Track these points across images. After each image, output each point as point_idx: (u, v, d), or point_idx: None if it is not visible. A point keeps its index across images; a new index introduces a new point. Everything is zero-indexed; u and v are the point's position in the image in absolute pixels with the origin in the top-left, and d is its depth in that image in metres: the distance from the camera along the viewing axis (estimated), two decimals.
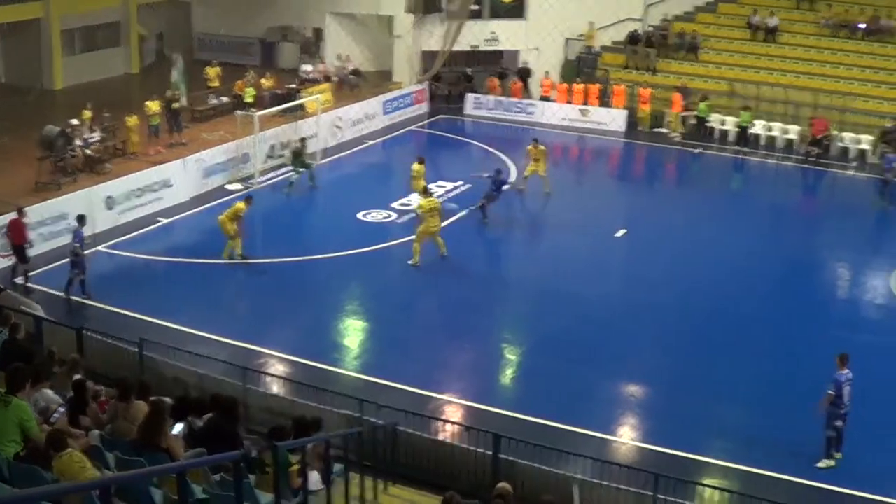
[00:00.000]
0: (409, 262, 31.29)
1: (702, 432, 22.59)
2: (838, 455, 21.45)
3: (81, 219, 28.60)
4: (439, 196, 35.41)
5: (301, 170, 38.43)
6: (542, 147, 38.50)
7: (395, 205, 36.53)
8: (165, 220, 33.83)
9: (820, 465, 21.33)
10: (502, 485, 15.07)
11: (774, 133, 47.37)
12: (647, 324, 28.15)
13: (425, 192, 32.72)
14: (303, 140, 40.13)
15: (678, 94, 48.90)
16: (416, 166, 36.22)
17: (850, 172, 43.89)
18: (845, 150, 45.97)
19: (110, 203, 33.33)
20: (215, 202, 35.89)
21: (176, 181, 35.82)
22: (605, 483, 18.56)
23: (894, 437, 22.55)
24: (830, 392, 21.18)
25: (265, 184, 38.69)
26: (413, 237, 31.73)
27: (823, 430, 21.31)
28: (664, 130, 48.85)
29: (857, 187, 42.84)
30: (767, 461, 21.07)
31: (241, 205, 30.97)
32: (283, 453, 14.66)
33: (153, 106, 38.91)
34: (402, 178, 39.37)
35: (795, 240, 35.29)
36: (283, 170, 39.93)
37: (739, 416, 23.62)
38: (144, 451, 14.05)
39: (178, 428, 15.63)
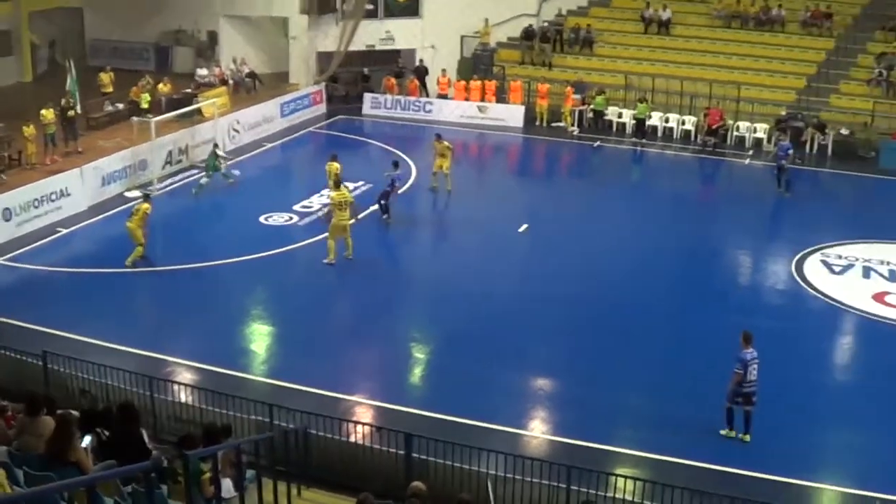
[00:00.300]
0: (325, 261, 31.28)
1: (611, 422, 22.85)
2: (731, 432, 22.35)
3: None
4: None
5: (211, 173, 38.36)
6: (445, 143, 38.37)
7: (296, 207, 36.39)
8: (65, 231, 33.36)
9: (721, 431, 22.30)
10: (416, 484, 15.12)
11: (671, 124, 47.93)
12: (551, 317, 28.33)
13: (336, 186, 32.53)
14: (215, 145, 40.21)
15: (570, 89, 49.27)
16: (332, 164, 35.83)
17: (747, 161, 44.52)
18: (742, 139, 46.62)
19: (7, 215, 32.77)
20: (114, 210, 35.50)
21: (74, 190, 35.34)
22: (518, 477, 18.63)
23: (796, 419, 22.94)
24: (738, 371, 21.91)
25: (164, 190, 38.32)
26: (327, 234, 31.65)
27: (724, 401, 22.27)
28: (562, 125, 49.16)
29: (755, 175, 43.45)
30: (676, 448, 21.36)
31: (146, 206, 30.59)
32: (193, 462, 14.57)
33: (48, 114, 38.28)
34: (303, 180, 39.28)
35: (695, 229, 35.71)
36: (181, 175, 39.67)
37: (646, 404, 23.89)
38: (53, 466, 13.89)
39: (87, 440, 15.46)
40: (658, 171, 45.18)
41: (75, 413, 16.35)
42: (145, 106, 43.61)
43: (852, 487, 20.59)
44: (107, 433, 16.11)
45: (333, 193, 32.09)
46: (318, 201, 36.97)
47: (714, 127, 45.93)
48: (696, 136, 47.24)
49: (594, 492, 17.99)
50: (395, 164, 36.21)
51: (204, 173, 38.56)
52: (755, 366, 22.08)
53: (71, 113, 39.18)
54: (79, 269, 30.54)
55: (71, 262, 31.03)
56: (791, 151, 40.11)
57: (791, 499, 19.70)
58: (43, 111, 38.25)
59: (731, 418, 22.28)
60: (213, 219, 37.14)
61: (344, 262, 31.37)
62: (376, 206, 34.95)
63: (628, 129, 48.31)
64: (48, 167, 36.81)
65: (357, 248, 31.94)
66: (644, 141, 46.85)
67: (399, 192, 35.91)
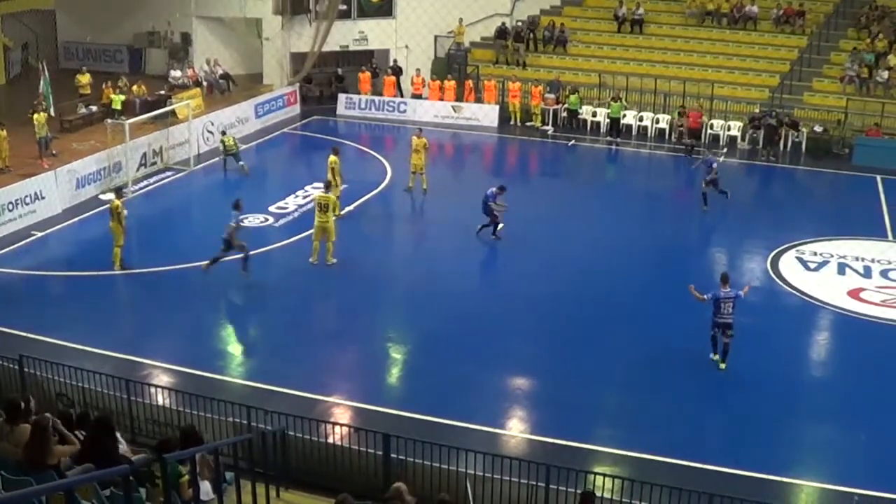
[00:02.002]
0: (310, 260, 31.46)
1: (590, 421, 22.89)
2: (716, 357, 25.42)
3: None
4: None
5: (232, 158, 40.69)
6: (423, 139, 38.33)
7: (272, 208, 36.33)
8: (39, 234, 33.21)
9: (711, 356, 25.54)
10: (397, 485, 15.09)
11: (646, 123, 48.04)
12: (528, 316, 28.40)
13: (326, 186, 32.63)
14: (223, 132, 42.28)
15: (538, 88, 49.39)
16: (332, 158, 35.68)
17: (721, 159, 44.57)
18: (716, 137, 46.76)
19: None
20: (89, 213, 35.43)
21: (48, 193, 35.20)
22: (497, 477, 18.63)
23: (774, 415, 23.05)
24: (706, 297, 25.25)
25: (138, 192, 38.21)
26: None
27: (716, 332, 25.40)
28: (538, 125, 49.24)
29: (730, 173, 43.54)
30: (656, 446, 21.41)
31: (117, 202, 30.51)
32: (171, 465, 14.52)
33: (40, 118, 38.11)
34: (279, 182, 39.29)
35: (671, 227, 35.84)
36: (156, 177, 39.63)
37: (624, 402, 24.02)
38: (31, 471, 13.85)
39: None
40: (633, 170, 45.30)
41: (49, 416, 16.29)
42: (117, 107, 43.47)
43: (830, 483, 20.68)
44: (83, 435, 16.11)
45: (317, 193, 32.01)
46: (293, 202, 36.92)
47: (695, 128, 45.75)
48: (670, 135, 47.37)
49: (573, 490, 18.00)
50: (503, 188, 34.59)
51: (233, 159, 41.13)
52: (729, 302, 24.96)
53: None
54: (54, 272, 30.38)
55: (46, 265, 30.86)
56: (715, 165, 37.61)
57: (770, 495, 19.70)
58: (35, 115, 38.08)
59: (714, 345, 25.39)
60: (188, 221, 37.11)
61: (318, 264, 31.35)
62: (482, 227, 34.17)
63: (603, 128, 48.42)
64: (22, 171, 36.57)
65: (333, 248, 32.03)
66: (619, 140, 46.93)
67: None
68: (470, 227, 34.14)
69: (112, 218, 30.47)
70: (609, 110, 47.77)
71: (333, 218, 31.64)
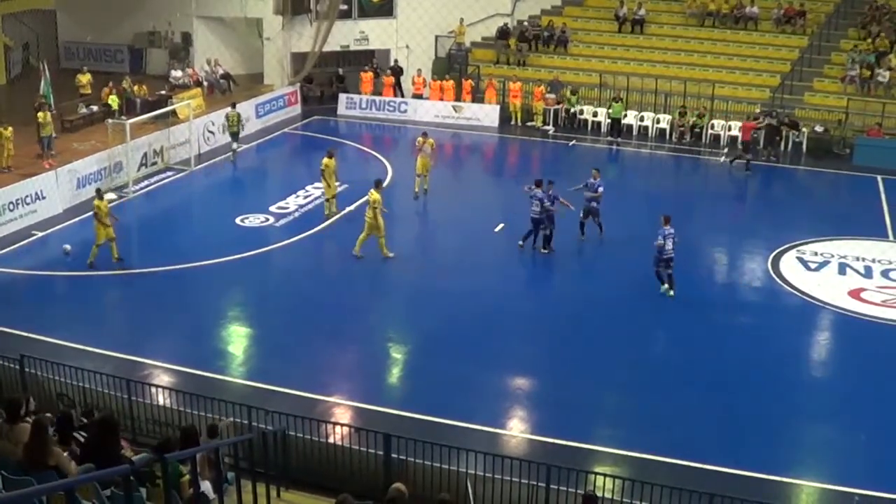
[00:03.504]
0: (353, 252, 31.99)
1: (590, 421, 22.89)
2: (665, 287, 29.37)
3: None
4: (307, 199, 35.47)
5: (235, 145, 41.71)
6: (431, 140, 38.24)
7: (272, 208, 36.33)
8: (40, 234, 33.18)
9: (661, 289, 29.35)
10: (396, 485, 15.08)
11: (646, 123, 48.04)
12: (529, 316, 28.43)
13: (376, 184, 32.86)
14: (233, 105, 43.36)
15: (539, 87, 49.43)
16: (325, 161, 35.65)
17: (722, 159, 44.65)
18: (717, 137, 46.77)
19: None
20: (90, 213, 35.33)
21: (49, 193, 35.20)
22: (497, 477, 18.63)
23: (774, 415, 23.04)
24: (659, 242, 29.04)
25: (139, 192, 38.23)
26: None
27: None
28: (538, 125, 49.25)
29: (730, 173, 43.60)
30: (656, 445, 21.39)
31: (98, 202, 30.60)
32: (172, 464, 14.53)
33: (44, 117, 38.16)
34: (279, 182, 39.31)
35: (673, 226, 35.73)
36: (157, 177, 39.66)
37: (625, 402, 24.01)
38: (32, 470, 13.84)
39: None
40: (634, 170, 45.30)
41: (49, 416, 16.31)
42: (115, 108, 43.45)
43: (830, 483, 20.68)
44: (84, 436, 16.12)
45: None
46: (294, 202, 36.93)
47: (747, 141, 43.85)
48: (671, 135, 47.37)
49: (573, 490, 18.00)
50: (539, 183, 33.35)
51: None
52: (671, 239, 29.18)
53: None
54: (55, 272, 30.34)
55: (47, 265, 30.82)
56: (601, 189, 33.87)
57: (770, 495, 19.70)
58: (39, 114, 38.10)
59: (660, 279, 29.36)
60: (189, 221, 37.13)
61: (320, 264, 31.44)
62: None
63: (603, 128, 48.42)
64: (23, 170, 36.54)
65: (332, 249, 32.07)
66: (619, 140, 46.90)
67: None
68: (470, 227, 34.05)
69: (97, 217, 30.49)
70: (610, 111, 47.70)
71: (372, 214, 31.85)
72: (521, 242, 32.81)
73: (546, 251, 32.55)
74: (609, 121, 47.92)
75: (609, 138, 47.38)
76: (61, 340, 25.51)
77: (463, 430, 21.90)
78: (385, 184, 36.71)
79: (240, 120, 43.90)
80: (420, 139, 38.28)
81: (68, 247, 31.00)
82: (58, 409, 19.21)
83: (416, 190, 38.14)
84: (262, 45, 52.58)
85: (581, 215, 33.75)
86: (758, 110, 46.32)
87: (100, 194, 31.28)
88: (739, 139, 44.53)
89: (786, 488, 20.52)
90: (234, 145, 43.53)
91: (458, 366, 25.11)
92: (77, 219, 34.93)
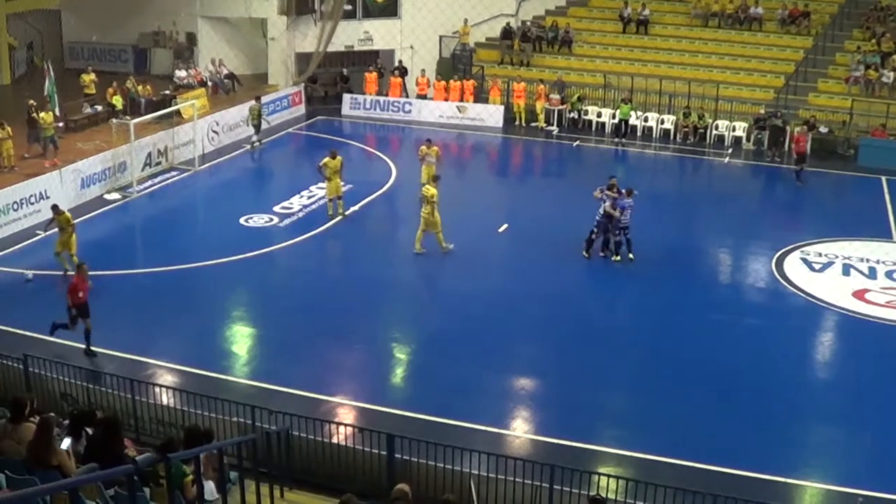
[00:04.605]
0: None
1: (593, 421, 22.86)
2: (617, 258, 31.89)
3: None
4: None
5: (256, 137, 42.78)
6: (435, 147, 37.56)
7: (277, 208, 36.33)
8: (44, 234, 33.10)
9: (614, 258, 31.92)
10: (401, 486, 15.07)
11: (651, 123, 48.02)
12: (532, 317, 28.38)
13: (435, 179, 33.35)
14: (258, 98, 44.54)
15: (541, 87, 49.44)
16: (326, 160, 35.53)
17: (726, 160, 44.64)
18: (721, 138, 46.76)
19: None
20: (94, 213, 35.48)
21: (53, 193, 35.16)
22: (501, 477, 18.62)
23: (778, 416, 23.02)
24: (617, 211, 31.28)
25: (143, 192, 38.25)
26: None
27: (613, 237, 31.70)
28: (541, 125, 49.24)
29: (734, 174, 43.63)
30: (660, 446, 21.38)
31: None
32: (176, 464, 14.53)
33: (47, 117, 38.21)
34: (283, 182, 39.33)
35: (676, 227, 35.72)
36: (161, 177, 39.71)
37: (628, 402, 24.04)
38: (35, 470, 13.85)
39: (67, 443, 15.41)
40: (638, 171, 45.16)
41: (53, 415, 16.33)
42: (119, 108, 43.48)
43: (835, 484, 20.66)
44: (90, 431, 16.16)
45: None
46: (298, 202, 36.93)
47: (801, 153, 41.97)
48: (675, 135, 47.35)
49: (577, 491, 17.99)
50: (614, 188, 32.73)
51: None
52: (629, 211, 31.42)
53: (35, 116, 38.68)
54: (58, 272, 30.29)
55: (51, 265, 30.74)
56: (629, 212, 32.14)
57: (774, 496, 19.68)
58: (42, 114, 38.16)
59: (616, 248, 32.02)
60: (193, 221, 37.14)
61: (323, 264, 31.51)
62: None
63: (608, 129, 48.39)
64: (26, 170, 36.56)
65: (336, 250, 32.13)
66: (624, 141, 46.85)
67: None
68: (474, 227, 33.99)
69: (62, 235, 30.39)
70: (618, 112, 47.63)
71: (427, 210, 32.23)
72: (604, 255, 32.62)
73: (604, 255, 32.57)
74: (615, 121, 47.82)
75: (615, 139, 47.26)
76: (65, 340, 25.50)
77: (467, 430, 21.90)
78: (390, 185, 36.77)
79: (260, 113, 44.65)
80: (423, 147, 37.59)
81: (30, 274, 30.65)
82: (62, 409, 19.27)
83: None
84: (266, 46, 52.56)
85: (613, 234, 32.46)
86: (762, 111, 46.26)
87: (57, 210, 31.04)
88: (794, 151, 42.65)
89: (790, 489, 20.50)
90: (254, 138, 44.38)
91: (462, 366, 25.11)
92: (81, 218, 34.79)
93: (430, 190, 32.21)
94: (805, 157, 41.78)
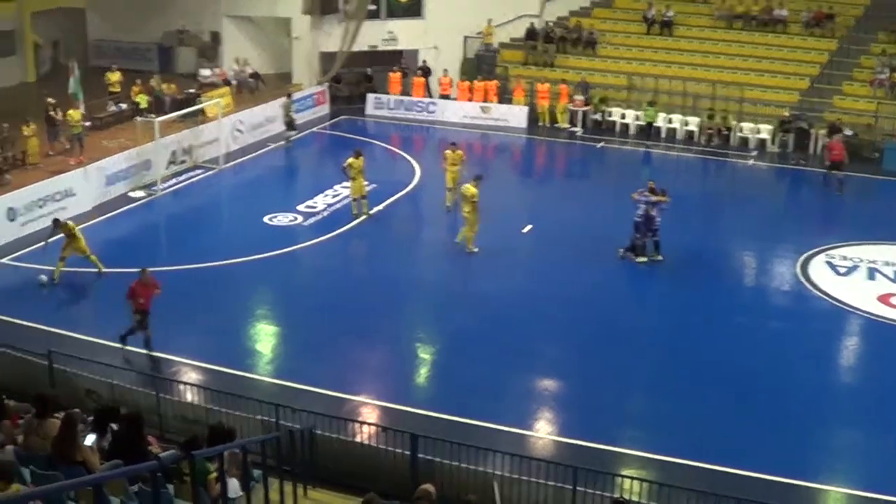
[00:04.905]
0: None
1: (616, 423, 22.84)
2: (643, 258, 31.78)
3: None
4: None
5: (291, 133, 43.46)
6: (459, 152, 37.02)
7: (301, 207, 36.37)
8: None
9: (639, 259, 31.81)
10: (425, 486, 15.07)
11: (674, 125, 47.91)
12: (556, 318, 28.36)
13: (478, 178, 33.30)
14: (289, 95, 45.46)
15: (563, 87, 49.46)
16: (351, 160, 35.48)
17: (751, 162, 44.54)
18: (745, 140, 46.61)
19: (12, 215, 32.81)
20: (118, 210, 35.60)
21: (78, 190, 35.33)
22: (524, 478, 18.61)
23: (802, 420, 23.02)
24: (651, 212, 31.28)
25: (168, 190, 38.35)
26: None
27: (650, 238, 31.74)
28: (564, 126, 49.19)
29: (758, 176, 43.53)
30: (683, 449, 21.32)
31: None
32: (200, 461, 14.56)
33: (75, 115, 38.37)
34: (307, 181, 39.40)
35: (700, 229, 35.65)
36: (185, 175, 39.81)
37: (651, 405, 23.99)
38: (60, 465, 13.89)
39: (91, 439, 15.45)
40: (662, 173, 44.94)
41: (78, 411, 16.39)
42: (144, 106, 43.61)
43: (858, 489, 20.56)
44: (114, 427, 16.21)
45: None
46: (322, 201, 36.97)
47: (835, 161, 40.88)
48: (699, 137, 47.24)
49: (600, 493, 17.97)
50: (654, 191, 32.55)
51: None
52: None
53: (52, 114, 38.89)
54: (83, 268, 30.38)
55: (75, 261, 30.79)
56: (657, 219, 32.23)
57: (797, 500, 19.66)
58: (70, 111, 38.35)
59: (642, 249, 31.81)
60: (217, 219, 37.22)
61: (346, 265, 31.61)
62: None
63: (632, 130, 48.29)
64: (51, 168, 36.73)
65: (360, 249, 32.22)
66: (648, 142, 46.74)
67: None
68: (498, 227, 33.93)
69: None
70: (644, 114, 47.51)
71: (468, 209, 32.40)
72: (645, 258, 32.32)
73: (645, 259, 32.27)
74: (642, 123, 47.74)
75: (639, 141, 47.17)
76: (90, 337, 25.61)
77: (490, 431, 21.90)
78: (413, 185, 36.79)
79: (290, 109, 45.61)
80: (448, 152, 37.01)
81: (44, 278, 30.66)
82: (86, 406, 19.33)
83: (449, 204, 36.65)
84: (290, 45, 52.63)
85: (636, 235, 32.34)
86: (787, 114, 46.11)
87: (58, 223, 30.91)
88: (827, 158, 41.53)
89: (814, 493, 20.47)
90: (290, 134, 45.21)
91: (485, 366, 25.12)
92: (106, 216, 35.09)
93: (471, 189, 32.25)
94: (840, 165, 40.80)
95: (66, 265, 29.79)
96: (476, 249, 32.45)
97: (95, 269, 30.09)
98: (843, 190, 40.09)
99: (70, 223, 30.58)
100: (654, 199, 31.72)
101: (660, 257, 31.88)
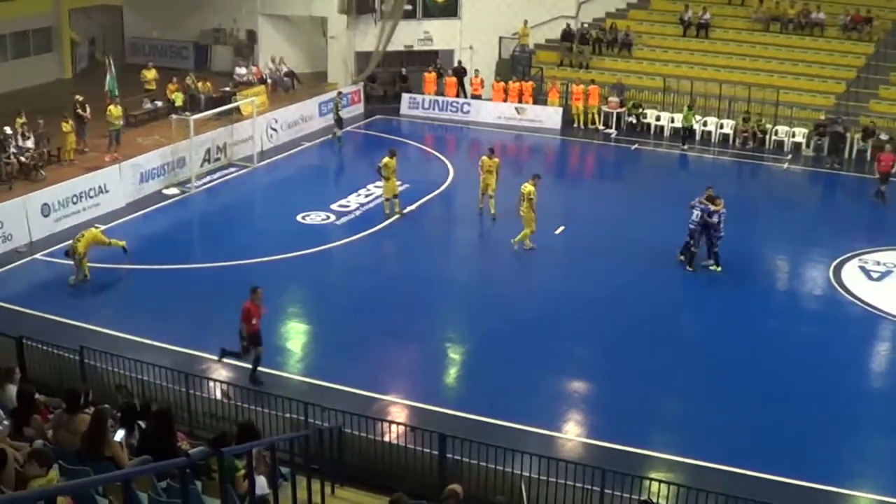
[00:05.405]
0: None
1: (646, 426, 22.77)
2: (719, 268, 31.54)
3: None
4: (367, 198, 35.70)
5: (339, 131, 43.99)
6: (496, 159, 36.27)
7: (334, 206, 36.43)
8: (102, 227, 33.28)
9: (712, 267, 31.64)
10: (453, 486, 15.07)
11: (710, 128, 47.74)
12: (587, 319, 28.33)
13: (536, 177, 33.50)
14: (339, 94, 45.79)
15: (593, 88, 49.46)
16: (386, 160, 35.53)
17: (786, 165, 44.34)
18: (780, 143, 46.41)
19: (46, 210, 33.01)
20: (152, 207, 35.76)
21: (112, 187, 35.52)
22: (552, 480, 18.58)
23: (834, 426, 22.89)
24: (720, 223, 31.16)
25: (202, 188, 38.48)
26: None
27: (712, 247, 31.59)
28: (600, 127, 49.13)
29: (793, 180, 43.35)
30: (712, 453, 21.26)
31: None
32: (228, 458, 14.59)
33: (115, 111, 38.71)
34: (341, 180, 39.47)
35: (734, 233, 35.21)
36: (219, 173, 39.95)
37: (681, 408, 23.92)
38: (89, 461, 13.96)
39: (120, 434, 15.53)
40: (696, 175, 44.85)
41: (108, 407, 16.47)
42: (179, 104, 43.83)
43: (890, 496, 20.41)
44: (142, 425, 16.29)
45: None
46: (355, 201, 37.03)
47: (886, 172, 40.03)
48: (734, 140, 47.05)
49: (628, 496, 17.94)
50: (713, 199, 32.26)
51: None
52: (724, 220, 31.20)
53: (80, 112, 39.13)
54: (116, 265, 30.56)
55: (108, 258, 30.92)
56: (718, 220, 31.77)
57: None
58: (110, 108, 38.63)
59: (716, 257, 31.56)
60: (250, 217, 37.32)
61: (377, 264, 31.74)
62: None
63: (667, 133, 48.16)
64: (86, 164, 36.98)
65: (392, 248, 32.39)
66: (686, 147, 46.56)
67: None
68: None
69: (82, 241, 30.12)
70: (682, 118, 47.32)
71: (525, 208, 32.68)
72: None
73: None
74: (677, 126, 47.60)
75: (674, 143, 47.02)
76: (121, 333, 25.74)
77: (518, 432, 21.91)
78: (447, 185, 36.77)
79: (339, 106, 45.79)
80: (485, 158, 36.14)
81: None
82: (116, 401, 19.42)
83: (481, 205, 36.40)
84: (326, 44, 52.75)
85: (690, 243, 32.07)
86: (822, 117, 45.89)
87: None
88: (878, 170, 40.66)
89: (843, 499, 20.35)
90: (337, 130, 45.21)
91: (516, 367, 25.13)
92: (140, 212, 35.27)
93: (528, 187, 32.37)
94: (888, 177, 39.95)
95: (90, 261, 29.79)
96: (533, 246, 32.63)
97: (125, 265, 30.10)
98: (885, 200, 39.42)
99: (80, 242, 29.76)
100: (712, 207, 31.52)
101: (715, 268, 31.66)
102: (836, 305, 29.98)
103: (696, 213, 31.54)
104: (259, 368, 24.17)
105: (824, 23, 51.89)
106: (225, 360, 24.72)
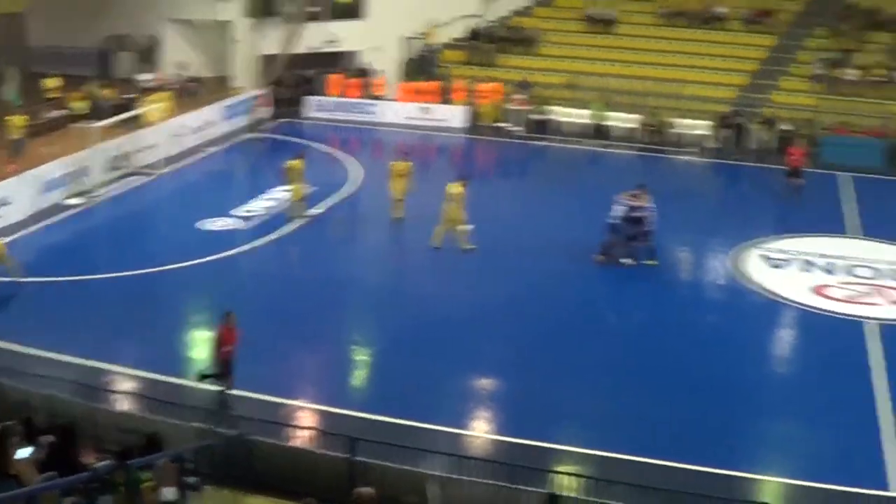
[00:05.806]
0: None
1: (553, 420, 22.79)
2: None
3: None
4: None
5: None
6: (409, 163, 36.38)
7: (240, 211, 36.25)
8: (4, 240, 32.73)
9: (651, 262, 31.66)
10: (360, 489, 15.11)
11: (614, 123, 48.10)
12: (493, 318, 28.35)
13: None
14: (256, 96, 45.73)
15: (495, 85, 50.29)
16: (292, 163, 35.68)
17: (689, 158, 44.82)
18: (685, 137, 46.87)
19: None
20: (55, 219, 35.33)
21: (13, 198, 35.01)
22: (463, 478, 18.67)
23: (738, 412, 23.18)
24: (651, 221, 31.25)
25: (106, 197, 38.08)
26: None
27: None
28: (505, 125, 49.33)
29: (695, 172, 43.85)
30: (619, 444, 21.40)
31: None
32: (134, 471, 14.54)
33: (18, 121, 38.25)
34: (245, 185, 39.28)
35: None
36: (123, 181, 39.58)
37: (586, 401, 23.98)
38: None
39: (27, 451, 15.38)
40: (600, 170, 45.35)
41: (11, 424, 16.31)
42: (82, 112, 43.33)
43: (794, 479, 20.74)
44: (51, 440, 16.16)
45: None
46: (260, 206, 36.88)
47: (797, 167, 39.88)
48: (639, 135, 47.48)
49: (538, 490, 18.05)
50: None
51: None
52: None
53: None
54: (17, 278, 30.12)
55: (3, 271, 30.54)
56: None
57: (734, 491, 19.77)
58: (13, 118, 38.19)
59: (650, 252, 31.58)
60: (155, 225, 36.97)
61: (279, 269, 31.69)
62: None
63: (573, 129, 48.47)
64: None
65: (300, 252, 32.41)
66: (590, 141, 46.91)
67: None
68: (433, 228, 33.98)
69: None
70: (590, 112, 47.74)
71: (454, 208, 32.84)
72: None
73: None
74: (585, 122, 48.11)
75: (580, 139, 47.38)
76: (23, 347, 25.29)
77: (428, 431, 21.89)
78: (354, 187, 36.66)
79: (254, 110, 46.63)
80: (395, 163, 36.30)
81: None
82: (21, 417, 19.22)
83: (396, 215, 35.94)
84: (231, 48, 52.45)
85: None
86: (727, 109, 46.47)
87: None
88: (788, 164, 40.50)
89: (748, 484, 20.57)
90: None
91: (426, 368, 25.07)
92: (41, 224, 34.80)
93: (456, 188, 32.73)
94: (800, 172, 39.81)
95: None
96: (473, 246, 32.87)
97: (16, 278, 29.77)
98: (800, 195, 39.47)
99: None
100: (634, 203, 31.97)
101: (652, 262, 31.90)
102: (738, 294, 30.47)
103: (620, 209, 31.85)
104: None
105: (727, 16, 52.57)
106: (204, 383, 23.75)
